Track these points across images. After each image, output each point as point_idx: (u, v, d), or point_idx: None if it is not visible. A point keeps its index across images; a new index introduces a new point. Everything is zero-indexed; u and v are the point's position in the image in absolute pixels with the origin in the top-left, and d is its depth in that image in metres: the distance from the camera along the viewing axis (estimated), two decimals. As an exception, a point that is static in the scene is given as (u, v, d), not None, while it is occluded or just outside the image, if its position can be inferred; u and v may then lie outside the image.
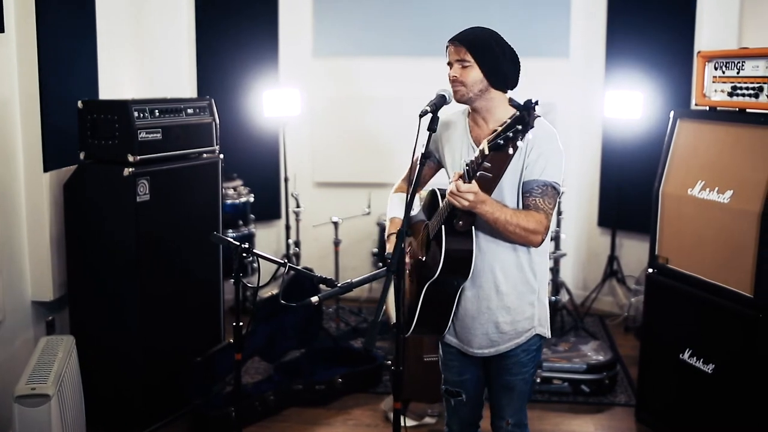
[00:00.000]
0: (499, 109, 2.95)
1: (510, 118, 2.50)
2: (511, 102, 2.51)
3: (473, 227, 2.88)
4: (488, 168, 2.62)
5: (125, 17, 5.69)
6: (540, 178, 2.86)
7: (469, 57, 2.88)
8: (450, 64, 2.94)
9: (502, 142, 2.50)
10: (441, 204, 2.86)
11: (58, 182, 4.43)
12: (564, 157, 2.93)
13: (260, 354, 5.23)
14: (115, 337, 4.37)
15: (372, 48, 6.91)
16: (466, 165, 2.66)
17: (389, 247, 3.09)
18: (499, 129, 2.52)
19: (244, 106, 6.68)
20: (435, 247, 2.89)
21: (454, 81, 2.91)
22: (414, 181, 2.75)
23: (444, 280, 2.89)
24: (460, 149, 3.04)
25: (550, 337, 3.18)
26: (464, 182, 2.66)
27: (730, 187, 3.97)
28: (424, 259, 3.00)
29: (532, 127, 2.46)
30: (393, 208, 3.26)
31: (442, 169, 3.21)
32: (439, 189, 2.97)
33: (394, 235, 2.93)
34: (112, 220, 4.30)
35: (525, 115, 2.45)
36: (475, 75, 2.88)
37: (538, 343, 3.12)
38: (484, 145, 2.56)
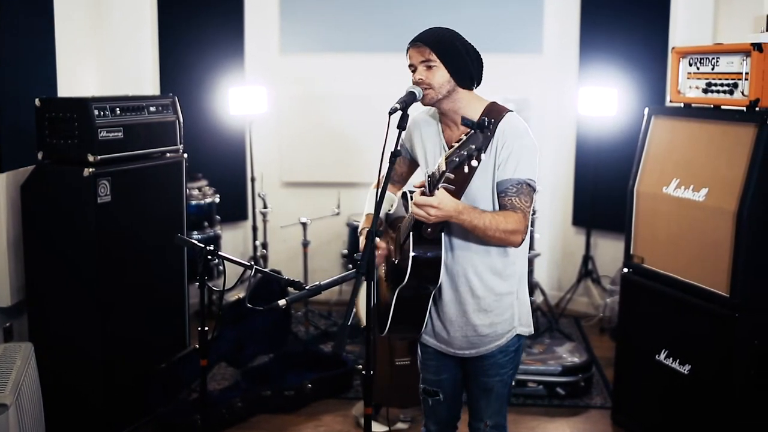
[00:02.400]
0: (468, 109, 2.95)
1: (465, 135, 2.53)
2: (464, 121, 2.52)
3: (443, 234, 2.89)
4: (451, 180, 2.64)
5: (85, 13, 5.65)
6: (513, 176, 2.87)
7: (434, 57, 2.87)
8: (412, 66, 2.92)
9: (457, 160, 2.53)
10: (410, 206, 2.86)
11: (15, 183, 4.37)
12: (537, 151, 2.94)
13: (227, 359, 5.21)
14: (75, 343, 4.32)
15: (340, 44, 6.91)
16: (428, 177, 2.68)
17: (361, 244, 3.09)
18: (456, 146, 2.54)
19: (209, 103, 6.65)
20: (404, 251, 2.90)
21: (420, 83, 2.89)
22: (384, 180, 2.75)
23: (414, 285, 2.90)
24: (433, 151, 3.06)
25: (533, 332, 3.21)
26: (426, 194, 2.69)
27: (705, 185, 4.01)
28: (396, 261, 3.02)
29: (486, 150, 2.51)
30: (370, 204, 3.26)
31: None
32: (409, 191, 2.97)
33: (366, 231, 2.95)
34: (71, 222, 4.25)
35: (479, 135, 2.48)
36: (441, 75, 2.88)
37: (517, 344, 3.14)
38: (443, 162, 2.58)
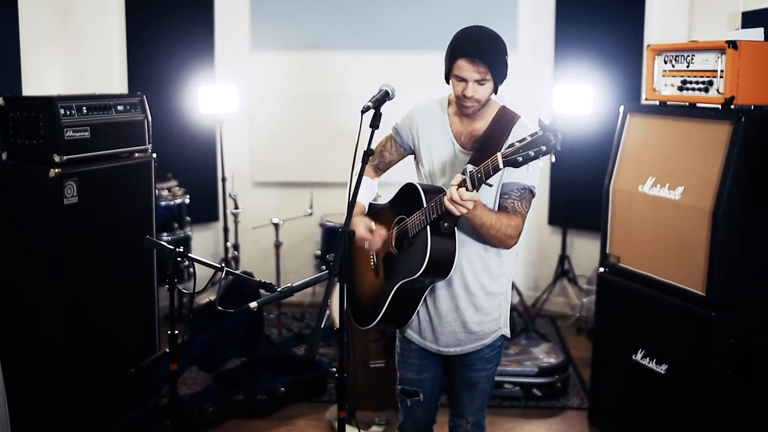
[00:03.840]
0: (487, 111, 3.02)
1: (531, 136, 2.54)
2: (540, 123, 2.54)
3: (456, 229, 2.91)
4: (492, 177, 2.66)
5: (50, 9, 5.59)
6: (521, 181, 2.93)
7: (489, 76, 2.89)
8: (462, 78, 2.90)
9: (521, 159, 2.54)
10: (425, 202, 2.87)
11: (-22, 185, 4.33)
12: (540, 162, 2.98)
13: (198, 363, 5.19)
14: (41, 349, 4.29)
15: (313, 41, 6.89)
16: (471, 173, 2.67)
17: (357, 231, 3.03)
18: (518, 144, 2.55)
19: (178, 102, 6.60)
20: (416, 245, 2.91)
21: (469, 99, 2.90)
22: (357, 179, 2.75)
23: (421, 279, 2.92)
24: (438, 144, 3.07)
25: (509, 338, 3.26)
26: (467, 190, 2.68)
27: (681, 183, 4.04)
28: (395, 253, 3.02)
29: (559, 150, 2.51)
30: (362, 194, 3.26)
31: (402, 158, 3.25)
32: (420, 185, 2.97)
33: (356, 218, 3.01)
34: (37, 224, 4.21)
35: (551, 138, 2.49)
36: (489, 89, 2.93)
37: (501, 342, 3.21)
38: (499, 160, 2.58)
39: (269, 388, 4.98)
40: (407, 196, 2.99)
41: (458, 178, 2.70)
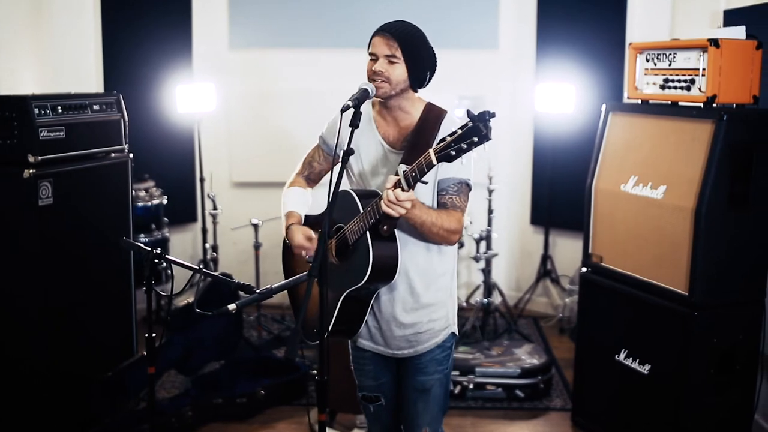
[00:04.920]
0: (412, 108, 3.01)
1: (461, 128, 2.53)
2: (469, 113, 2.53)
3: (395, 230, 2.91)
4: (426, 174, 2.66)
5: (24, 8, 5.56)
6: (456, 175, 2.94)
7: (399, 53, 2.89)
8: (374, 56, 2.93)
9: (453, 153, 2.54)
10: (360, 208, 2.87)
11: (-49, 186, 4.30)
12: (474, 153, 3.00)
13: (176, 367, 5.17)
14: (16, 352, 4.25)
15: (292, 40, 6.88)
16: (405, 172, 2.67)
17: (295, 239, 3.08)
18: (450, 139, 2.55)
19: (155, 101, 6.57)
20: (357, 252, 2.91)
21: (378, 74, 2.90)
22: (335, 181, 2.75)
23: (367, 286, 2.91)
24: (366, 147, 3.08)
25: (458, 335, 3.27)
26: (403, 190, 2.68)
27: (663, 182, 4.07)
28: (337, 263, 3.02)
29: (490, 139, 2.50)
30: (289, 202, 3.27)
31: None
32: (354, 190, 2.99)
33: (295, 227, 3.07)
34: (12, 226, 4.18)
35: (481, 127, 2.48)
36: (400, 73, 2.91)
37: (451, 341, 3.21)
38: (432, 156, 2.58)
39: (249, 391, 4.96)
40: (342, 203, 2.97)
41: (392, 179, 2.71)
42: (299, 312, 2.57)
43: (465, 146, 2.51)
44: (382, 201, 2.72)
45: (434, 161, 2.58)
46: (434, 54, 3.00)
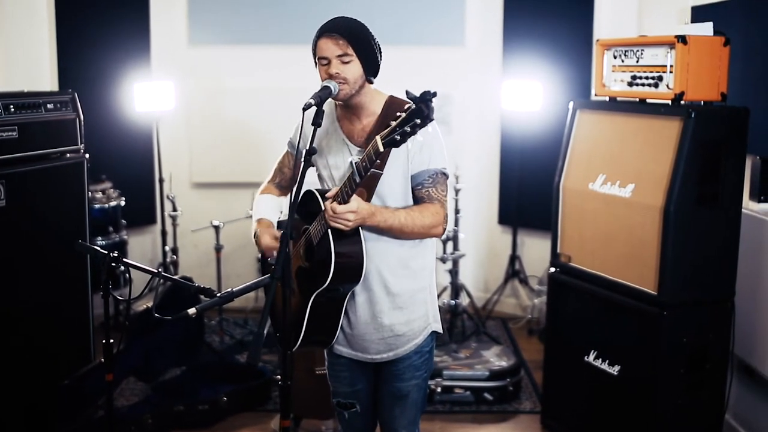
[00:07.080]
0: (373, 102, 3.01)
1: (405, 111, 2.53)
2: (409, 94, 2.53)
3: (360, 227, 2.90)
4: (378, 165, 2.66)
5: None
6: (429, 167, 2.94)
7: (351, 51, 2.88)
8: (325, 59, 2.90)
9: (399, 138, 2.54)
10: (323, 206, 2.86)
11: None
12: (442, 139, 3.01)
13: (135, 373, 5.13)
14: (-32, 360, 4.21)
15: (253, 36, 6.86)
16: (356, 164, 2.68)
17: (263, 241, 3.07)
18: (394, 124, 2.55)
19: (112, 99, 6.51)
20: (321, 253, 2.90)
21: (336, 78, 2.88)
22: (298, 181, 2.74)
23: (333, 287, 2.90)
24: (333, 148, 3.07)
25: (442, 332, 3.25)
26: (340, 202, 2.70)
27: (631, 180, 4.09)
28: (306, 266, 3.01)
29: (432, 119, 2.51)
30: (260, 210, 3.24)
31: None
32: (317, 189, 2.98)
33: (262, 230, 3.04)
34: (-38, 229, 4.14)
35: (423, 108, 2.48)
36: (356, 70, 2.90)
37: (431, 344, 3.19)
38: (379, 143, 2.58)
39: (211, 397, 4.94)
40: (309, 204, 2.98)
41: (333, 191, 2.75)
42: (263, 316, 2.56)
43: (409, 129, 2.51)
44: (326, 215, 2.75)
45: (381, 148, 2.58)
46: (377, 39, 2.98)
